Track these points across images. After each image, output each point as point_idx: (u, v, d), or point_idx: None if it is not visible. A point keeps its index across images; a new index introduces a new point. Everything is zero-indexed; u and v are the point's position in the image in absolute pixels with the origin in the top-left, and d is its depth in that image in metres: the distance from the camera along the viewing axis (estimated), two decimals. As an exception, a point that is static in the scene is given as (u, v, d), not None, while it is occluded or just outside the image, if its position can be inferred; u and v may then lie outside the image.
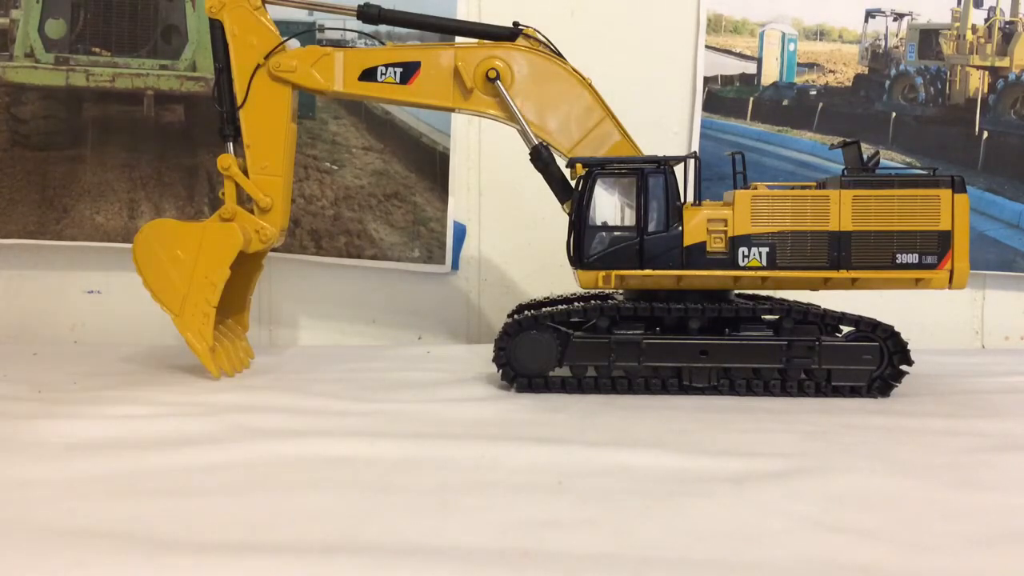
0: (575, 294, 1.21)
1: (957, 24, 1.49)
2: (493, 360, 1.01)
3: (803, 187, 1.05)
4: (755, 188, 1.02)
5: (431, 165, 1.45)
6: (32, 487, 0.63)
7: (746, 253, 0.99)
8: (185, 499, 0.60)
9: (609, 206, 1.02)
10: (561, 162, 1.09)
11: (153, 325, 1.46)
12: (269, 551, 0.51)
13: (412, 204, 1.45)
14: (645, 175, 1.01)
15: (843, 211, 0.98)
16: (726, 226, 0.99)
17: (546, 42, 1.10)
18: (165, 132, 1.44)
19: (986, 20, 1.49)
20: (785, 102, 1.51)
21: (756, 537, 0.54)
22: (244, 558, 0.50)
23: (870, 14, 1.49)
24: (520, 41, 1.09)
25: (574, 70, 1.09)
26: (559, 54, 1.10)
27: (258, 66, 1.08)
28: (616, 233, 1.01)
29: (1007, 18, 1.48)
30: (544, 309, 1.05)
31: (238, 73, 1.08)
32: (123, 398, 0.95)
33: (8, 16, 1.42)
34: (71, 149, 1.43)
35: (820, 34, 1.49)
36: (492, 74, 1.07)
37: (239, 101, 1.08)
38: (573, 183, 1.06)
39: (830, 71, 1.49)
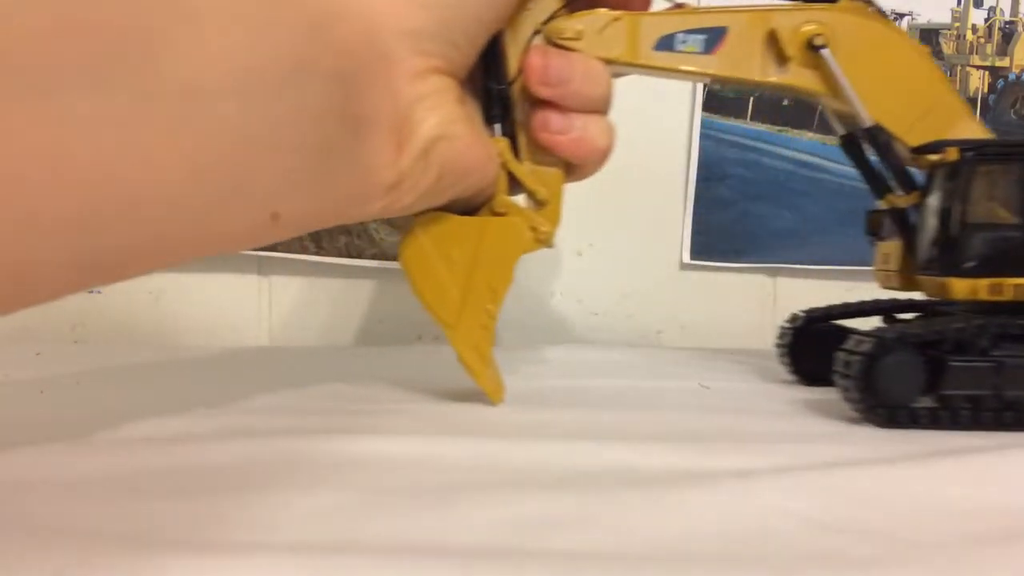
0: (868, 301, 1.06)
1: (957, 24, 1.49)
2: (847, 388, 0.83)
3: None
4: None
5: (431, 165, 1.45)
6: (32, 487, 0.63)
7: None
8: (185, 499, 0.60)
9: (991, 199, 0.86)
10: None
11: (153, 325, 1.47)
12: (269, 551, 0.51)
13: (412, 204, 1.46)
14: None
15: None
16: None
17: (872, 2, 0.94)
18: (165, 132, 1.44)
19: (986, 20, 1.48)
20: (785, 102, 1.51)
21: (758, 535, 0.54)
22: (244, 558, 0.49)
23: (870, 14, 1.48)
24: (842, 2, 0.93)
25: (909, 37, 0.94)
26: (887, 18, 0.95)
27: (535, 32, 0.89)
28: (1007, 233, 0.85)
29: (1007, 18, 1.48)
30: (899, 324, 0.88)
31: (510, 41, 0.88)
32: (124, 398, 0.95)
33: (8, 16, 1.42)
34: (71, 149, 1.43)
35: (820, 34, 1.49)
36: (819, 40, 0.90)
37: (511, 74, 0.88)
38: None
39: (830, 71, 1.49)
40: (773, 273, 1.65)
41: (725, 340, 1.63)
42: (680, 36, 0.92)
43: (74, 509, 0.58)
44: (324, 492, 0.63)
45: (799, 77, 0.93)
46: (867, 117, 0.91)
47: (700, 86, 1.49)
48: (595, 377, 1.10)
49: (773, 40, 0.92)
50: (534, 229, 0.91)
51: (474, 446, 0.75)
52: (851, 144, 0.98)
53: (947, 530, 0.55)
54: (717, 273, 1.63)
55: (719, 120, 1.52)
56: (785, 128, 1.53)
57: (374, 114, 0.66)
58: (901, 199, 0.92)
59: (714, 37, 0.92)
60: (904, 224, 0.93)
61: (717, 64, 0.92)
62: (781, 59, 0.92)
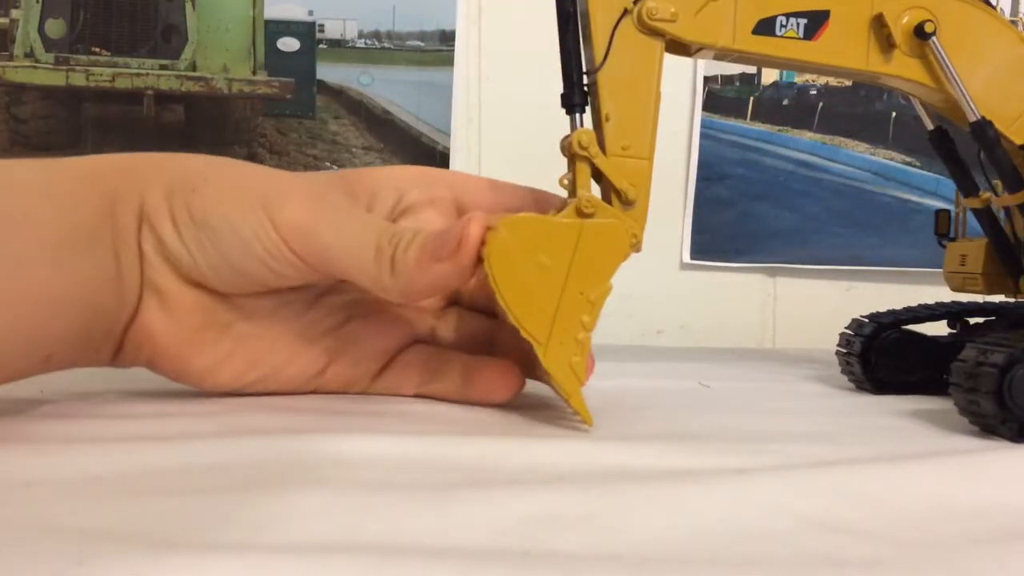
0: (934, 305, 1.03)
1: (957, 24, 1.49)
2: (973, 400, 0.78)
3: None
4: None
5: (431, 165, 1.45)
6: (33, 486, 0.63)
7: None
8: (185, 499, 0.60)
9: None
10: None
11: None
12: (269, 551, 0.51)
13: (412, 204, 1.46)
14: None
15: None
16: None
17: None
18: (165, 132, 1.44)
19: (986, 20, 1.48)
20: (785, 102, 1.51)
21: (758, 535, 0.54)
22: (244, 558, 0.49)
23: (870, 14, 1.48)
24: None
25: (1015, 28, 0.91)
26: (991, 5, 0.90)
27: (624, 12, 0.80)
28: None
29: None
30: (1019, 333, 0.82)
31: (597, 23, 0.79)
32: (125, 397, 0.95)
33: (8, 16, 1.42)
34: (71, 149, 1.43)
35: (820, 34, 1.49)
36: (929, 27, 0.84)
37: (597, 59, 0.79)
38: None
39: (830, 71, 1.49)
40: (773, 273, 1.65)
41: (725, 340, 1.63)
42: (780, 20, 0.84)
43: (74, 509, 0.58)
44: (324, 492, 0.63)
45: (904, 66, 0.87)
46: (974, 110, 0.86)
47: (700, 86, 1.49)
48: (594, 377, 1.10)
49: (878, 26, 0.86)
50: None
51: (474, 446, 0.75)
52: (941, 139, 0.95)
53: (947, 530, 0.55)
54: (717, 273, 1.63)
55: (719, 120, 1.52)
56: (785, 128, 1.53)
57: (129, 292, 0.76)
58: (1006, 199, 0.87)
59: (816, 21, 0.85)
60: (998, 224, 0.90)
61: (818, 51, 0.85)
62: (887, 46, 0.86)
